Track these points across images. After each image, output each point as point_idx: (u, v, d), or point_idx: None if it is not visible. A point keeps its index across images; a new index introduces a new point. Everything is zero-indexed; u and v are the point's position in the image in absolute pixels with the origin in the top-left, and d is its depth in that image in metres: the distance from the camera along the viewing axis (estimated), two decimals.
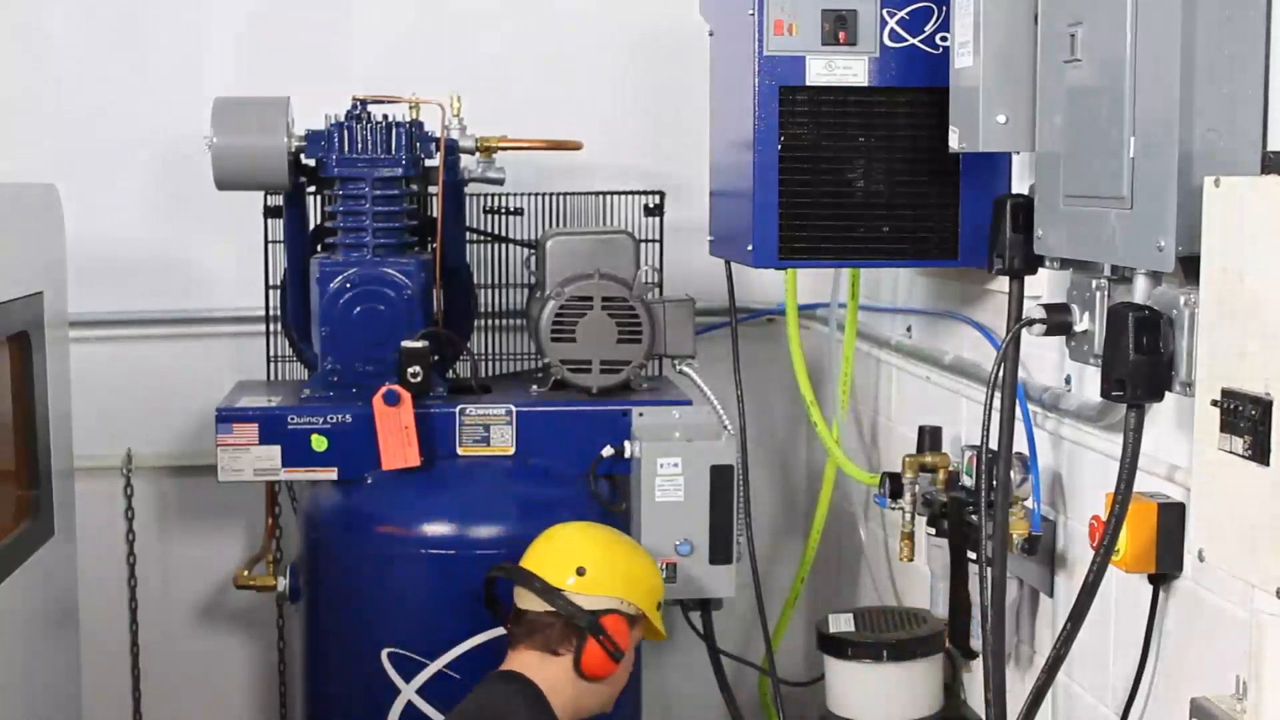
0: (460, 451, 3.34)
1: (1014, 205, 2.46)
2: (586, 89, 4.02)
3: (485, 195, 3.79)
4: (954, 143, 2.52)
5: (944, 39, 2.67)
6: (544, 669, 2.72)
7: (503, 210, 3.82)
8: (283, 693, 4.15)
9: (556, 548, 2.85)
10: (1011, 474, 2.52)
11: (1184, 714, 2.01)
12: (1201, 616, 2.20)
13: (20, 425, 3.01)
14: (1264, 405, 1.74)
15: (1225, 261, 1.84)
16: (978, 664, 2.80)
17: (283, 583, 3.55)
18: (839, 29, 2.69)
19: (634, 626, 2.76)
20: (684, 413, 3.34)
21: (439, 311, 3.50)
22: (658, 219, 3.76)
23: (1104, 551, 2.22)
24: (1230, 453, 1.81)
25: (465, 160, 3.61)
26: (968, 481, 2.79)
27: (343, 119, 3.41)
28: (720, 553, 3.18)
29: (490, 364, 3.88)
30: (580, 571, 2.75)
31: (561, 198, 3.84)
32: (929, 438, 2.99)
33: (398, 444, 3.25)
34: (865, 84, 2.71)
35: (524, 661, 2.75)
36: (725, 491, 3.17)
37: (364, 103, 3.43)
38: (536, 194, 3.81)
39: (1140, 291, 2.13)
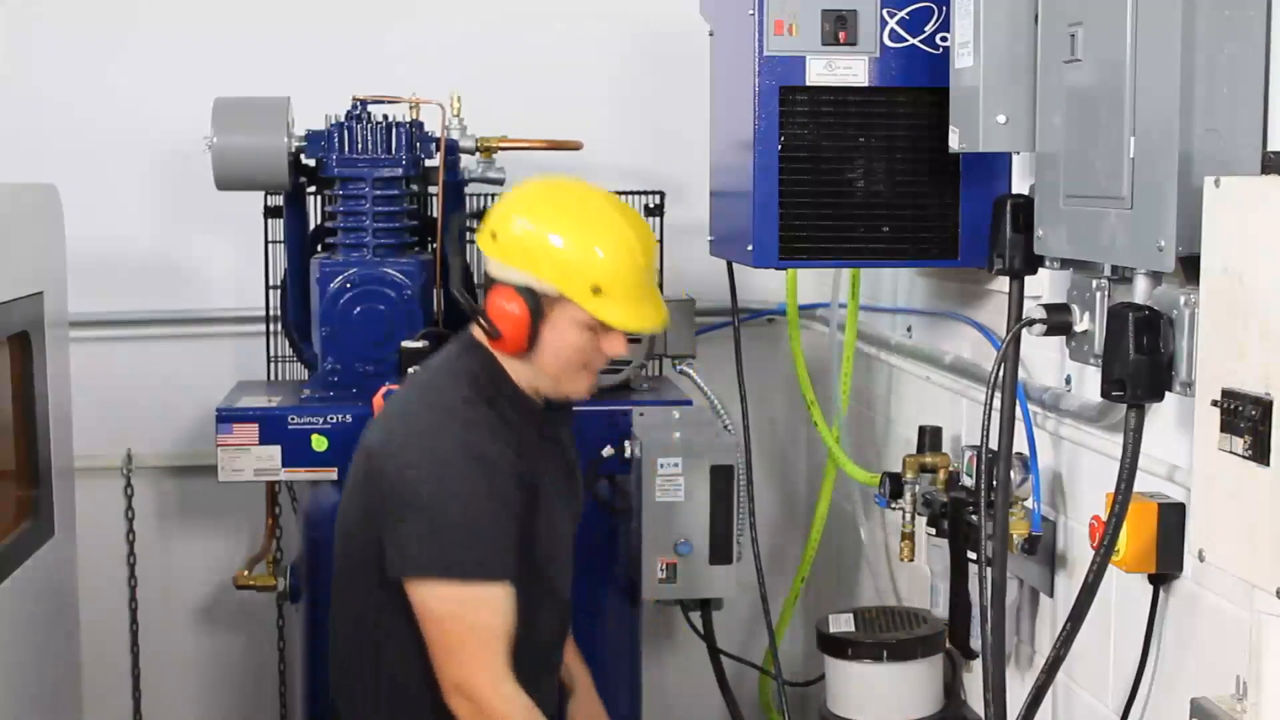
0: None
1: (1014, 205, 2.46)
2: (586, 89, 4.02)
3: (485, 195, 3.79)
4: (954, 143, 2.52)
5: (944, 39, 2.67)
6: (490, 343, 2.46)
7: None
8: (283, 693, 4.15)
9: (501, 202, 2.51)
10: (1011, 474, 2.52)
11: (1184, 714, 2.01)
12: (1201, 616, 2.20)
13: (20, 425, 3.01)
14: (1264, 405, 1.74)
15: (1225, 261, 1.84)
16: (978, 664, 2.80)
17: (283, 583, 3.56)
18: (839, 29, 2.69)
19: (549, 306, 2.37)
20: (684, 413, 3.33)
21: (439, 311, 3.50)
22: (658, 219, 3.76)
23: (1104, 551, 2.22)
24: (1230, 453, 1.81)
25: (465, 160, 3.61)
26: (968, 482, 2.79)
27: (343, 119, 3.41)
28: (720, 553, 3.18)
29: None
30: (493, 236, 2.42)
31: None
32: (929, 438, 2.99)
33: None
34: (865, 84, 2.71)
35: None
36: (725, 491, 3.17)
37: (364, 103, 3.44)
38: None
39: (1140, 291, 2.13)
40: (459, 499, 2.31)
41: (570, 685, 2.78)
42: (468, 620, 2.32)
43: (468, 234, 3.72)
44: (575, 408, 3.00)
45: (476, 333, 2.47)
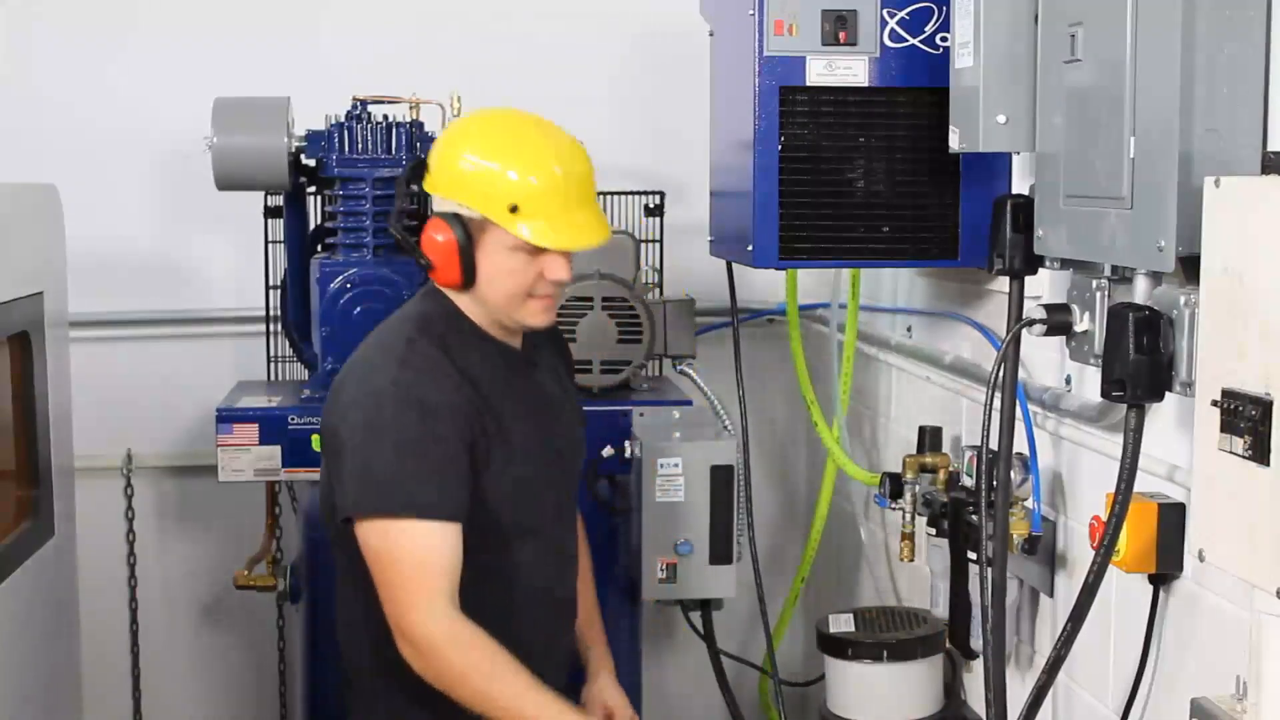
0: None
1: (1014, 205, 2.46)
2: (586, 89, 4.02)
3: None
4: (954, 143, 2.52)
5: (944, 39, 2.67)
6: (431, 277, 2.45)
7: None
8: (283, 693, 4.15)
9: (438, 138, 2.54)
10: (1011, 474, 2.52)
11: (1184, 714, 2.01)
12: (1201, 616, 2.20)
13: (20, 425, 3.01)
14: (1264, 405, 1.74)
15: (1225, 261, 1.84)
16: (978, 664, 2.80)
17: (283, 583, 3.56)
18: (839, 29, 2.69)
19: (478, 232, 2.34)
20: (684, 413, 3.34)
21: None
22: (658, 219, 3.76)
23: (1104, 551, 2.22)
24: (1230, 453, 1.81)
25: None
26: (968, 482, 2.79)
27: (343, 119, 3.41)
28: (720, 553, 3.18)
29: None
30: (428, 169, 2.42)
31: None
32: (929, 438, 2.99)
33: None
34: (865, 84, 2.71)
35: None
36: (725, 491, 3.17)
37: (364, 103, 3.44)
38: None
39: (1140, 291, 2.13)
40: (388, 434, 2.29)
41: (591, 668, 2.68)
42: (398, 557, 2.28)
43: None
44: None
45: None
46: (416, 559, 2.28)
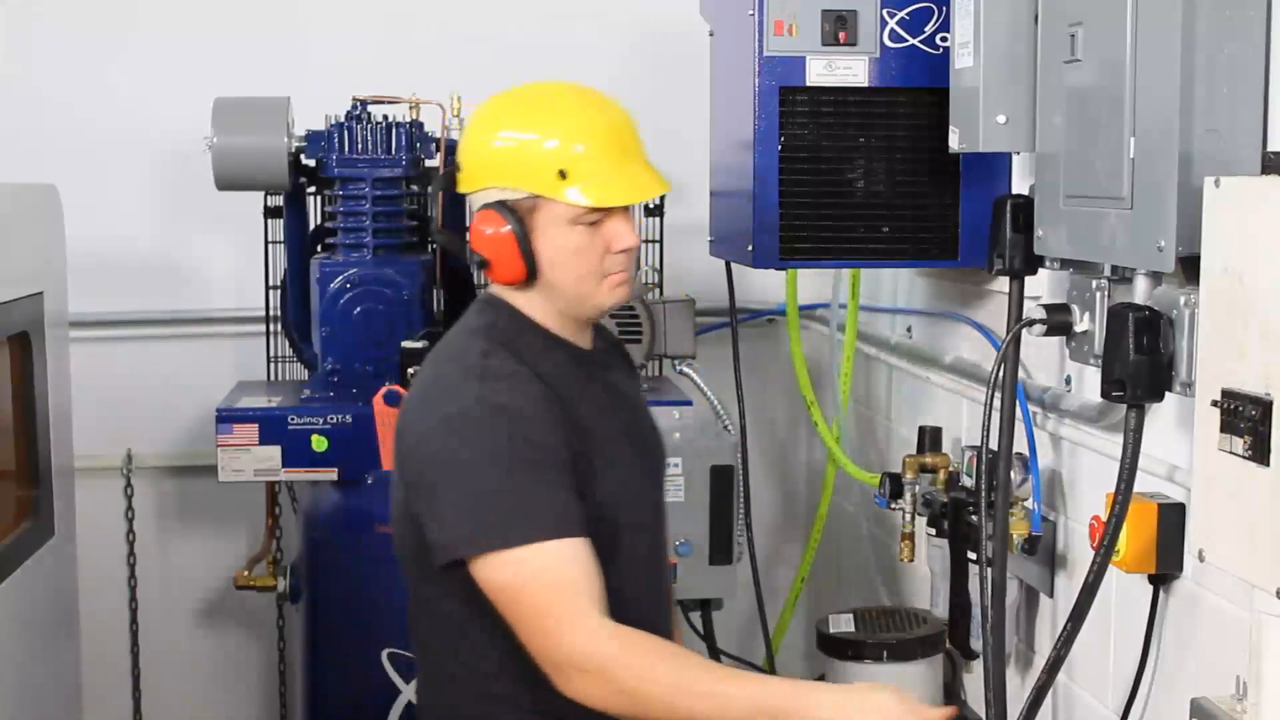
0: None
1: (1014, 205, 2.46)
2: None
3: None
4: (954, 143, 2.52)
5: (944, 39, 2.67)
6: (490, 278, 2.26)
7: None
8: (283, 693, 4.15)
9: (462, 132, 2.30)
10: (1011, 474, 2.52)
11: (1184, 714, 2.01)
12: (1201, 616, 2.20)
13: (20, 425, 3.01)
14: (1264, 405, 1.74)
15: (1225, 261, 1.84)
16: (978, 664, 2.80)
17: (283, 583, 3.56)
18: (839, 29, 2.69)
19: (528, 214, 2.14)
20: (684, 413, 3.33)
21: (439, 311, 3.50)
22: (658, 219, 3.76)
23: (1104, 551, 2.22)
24: (1230, 453, 1.81)
25: None
26: (968, 482, 2.79)
27: (343, 119, 3.41)
28: (720, 553, 3.18)
29: None
30: (459, 168, 2.24)
31: None
32: (929, 438, 2.99)
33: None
34: (865, 84, 2.71)
35: None
36: (725, 491, 3.17)
37: (364, 103, 3.44)
38: None
39: (1140, 291, 2.13)
40: (488, 455, 2.05)
41: None
42: (537, 587, 2.01)
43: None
44: None
45: (491, 287, 2.25)
46: (560, 581, 2.02)
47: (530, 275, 2.16)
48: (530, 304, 2.20)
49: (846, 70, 2.71)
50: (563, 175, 2.12)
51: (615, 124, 2.20)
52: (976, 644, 2.74)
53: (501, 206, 2.15)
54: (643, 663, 1.99)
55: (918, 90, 2.70)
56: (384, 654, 3.21)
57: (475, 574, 2.05)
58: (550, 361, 2.18)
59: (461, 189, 2.23)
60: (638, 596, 2.18)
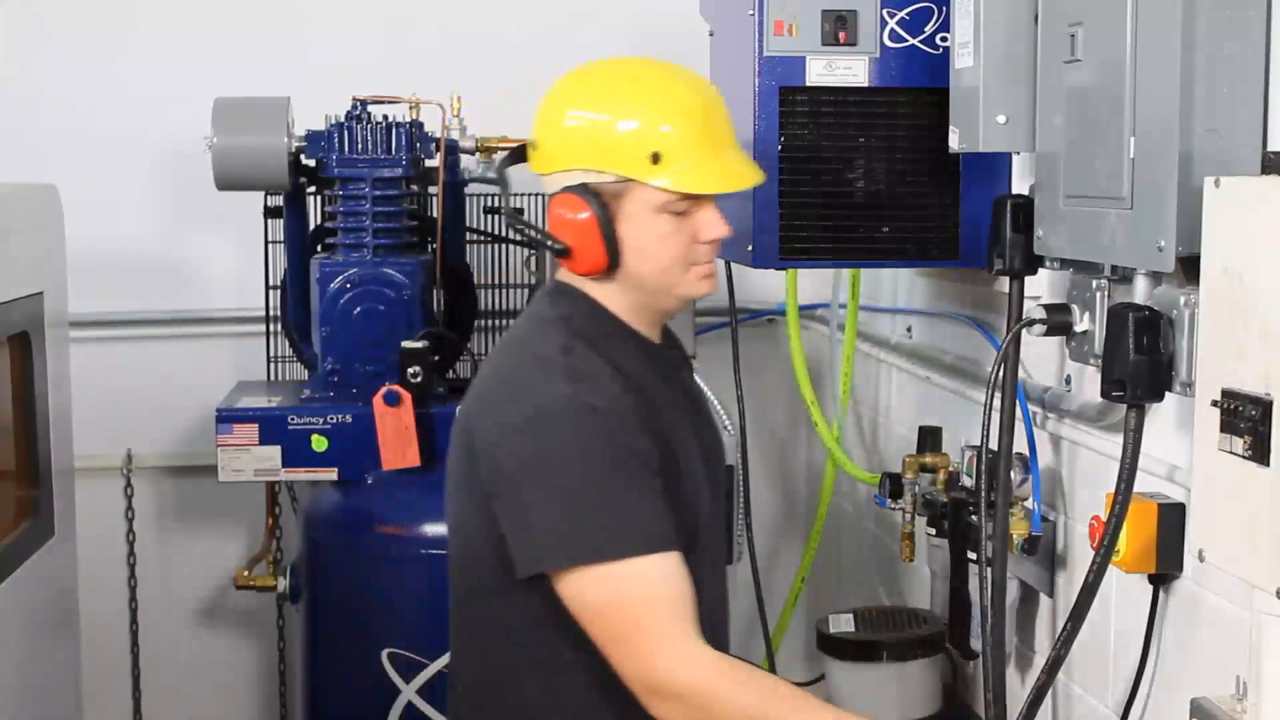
0: None
1: (1014, 205, 2.46)
2: None
3: (485, 195, 3.79)
4: (954, 143, 2.52)
5: (944, 39, 2.67)
6: (567, 266, 2.12)
7: (502, 210, 3.81)
8: (283, 693, 4.15)
9: (537, 109, 2.15)
10: (1011, 474, 2.52)
11: (1184, 714, 2.01)
12: (1201, 616, 2.20)
13: (20, 425, 3.01)
14: (1264, 405, 1.74)
15: (1225, 261, 1.84)
16: (978, 664, 2.80)
17: (283, 583, 3.56)
18: (839, 29, 2.69)
19: (615, 199, 2.03)
20: None
21: (439, 311, 3.50)
22: None
23: (1104, 551, 2.21)
24: (1230, 453, 1.81)
25: (465, 160, 3.61)
26: (968, 482, 2.79)
27: (343, 119, 3.41)
28: None
29: None
30: (534, 147, 2.11)
31: None
32: (929, 438, 2.99)
33: (398, 444, 3.25)
34: (865, 84, 2.70)
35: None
36: (725, 492, 3.16)
37: (364, 103, 3.44)
38: (536, 194, 3.81)
39: (1140, 291, 2.13)
40: (582, 460, 1.93)
41: None
42: (637, 604, 1.90)
43: (468, 235, 3.73)
44: None
45: (562, 276, 2.13)
46: (657, 600, 1.91)
47: (612, 264, 2.04)
48: (607, 295, 2.09)
49: (846, 70, 2.71)
50: (655, 159, 2.01)
51: (710, 106, 2.08)
52: (976, 644, 2.74)
53: (584, 190, 2.02)
54: (742, 698, 1.91)
55: (918, 90, 2.70)
56: (384, 654, 3.21)
57: (562, 588, 1.93)
58: (629, 357, 2.06)
59: (536, 169, 2.10)
60: (707, 603, 2.05)
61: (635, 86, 2.07)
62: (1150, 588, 2.28)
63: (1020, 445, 2.57)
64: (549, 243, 2.06)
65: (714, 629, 2.08)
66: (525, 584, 1.96)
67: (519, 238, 2.08)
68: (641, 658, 1.90)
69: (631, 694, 1.93)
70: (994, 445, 2.48)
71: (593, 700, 2.01)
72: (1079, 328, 2.35)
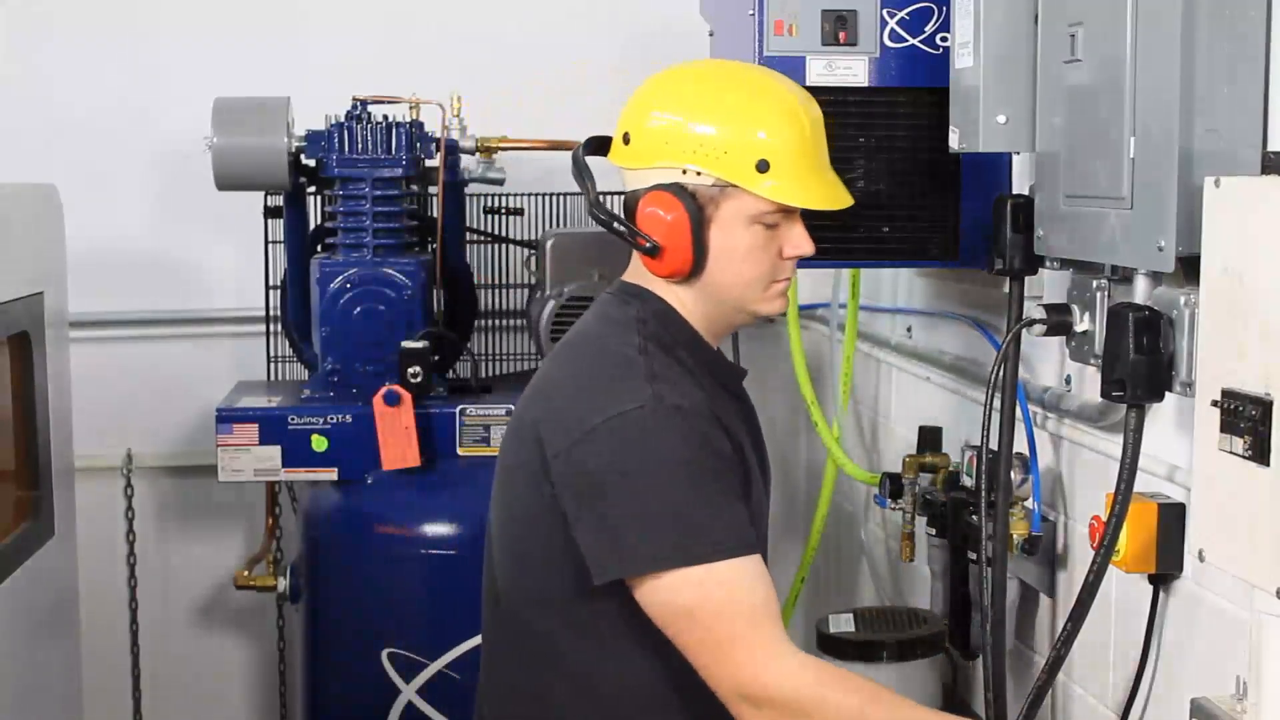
0: (460, 452, 3.34)
1: (1014, 205, 2.46)
2: (586, 89, 4.01)
3: (485, 195, 3.79)
4: (954, 143, 2.52)
5: (944, 39, 2.67)
6: (649, 266, 2.05)
7: (503, 210, 3.82)
8: (283, 693, 4.15)
9: (629, 104, 2.10)
10: (1011, 474, 2.52)
11: (1184, 714, 2.01)
12: (1201, 616, 2.20)
13: (20, 425, 3.01)
14: (1264, 405, 1.74)
15: (1225, 261, 1.84)
16: (978, 664, 2.80)
17: (283, 583, 3.56)
18: (839, 29, 2.69)
19: (712, 203, 1.99)
20: None
21: (439, 311, 3.50)
22: None
23: (1104, 551, 2.21)
24: (1230, 453, 1.81)
25: (465, 160, 3.61)
26: (968, 482, 2.79)
27: (343, 119, 3.41)
28: None
29: (490, 364, 3.88)
30: (625, 139, 2.04)
31: (562, 198, 3.84)
32: (929, 438, 2.99)
33: (398, 444, 3.25)
34: (865, 84, 2.70)
35: (639, 258, 2.08)
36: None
37: (364, 103, 3.44)
38: (536, 194, 3.81)
39: (1140, 291, 2.13)
40: (669, 462, 1.88)
41: None
42: (727, 610, 1.87)
43: (468, 235, 3.73)
44: None
45: (630, 277, 2.09)
46: (747, 605, 1.88)
47: (696, 269, 2.00)
48: (680, 300, 2.05)
49: (846, 70, 2.70)
50: (762, 168, 1.98)
51: (816, 123, 2.06)
52: (976, 644, 2.74)
53: (681, 190, 1.98)
54: (846, 702, 1.87)
55: (918, 90, 2.70)
56: (384, 654, 3.21)
57: (644, 594, 1.89)
58: (697, 364, 2.04)
59: (624, 163, 2.05)
60: None
61: (748, 92, 2.04)
62: (1150, 588, 2.28)
63: (1020, 445, 2.57)
64: (634, 241, 2.02)
65: None
66: (593, 593, 1.92)
67: (615, 230, 2.03)
68: (740, 666, 1.86)
69: (674, 709, 1.93)
70: (994, 445, 2.48)
71: (671, 712, 1.99)
72: (1079, 328, 2.35)
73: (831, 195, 2.07)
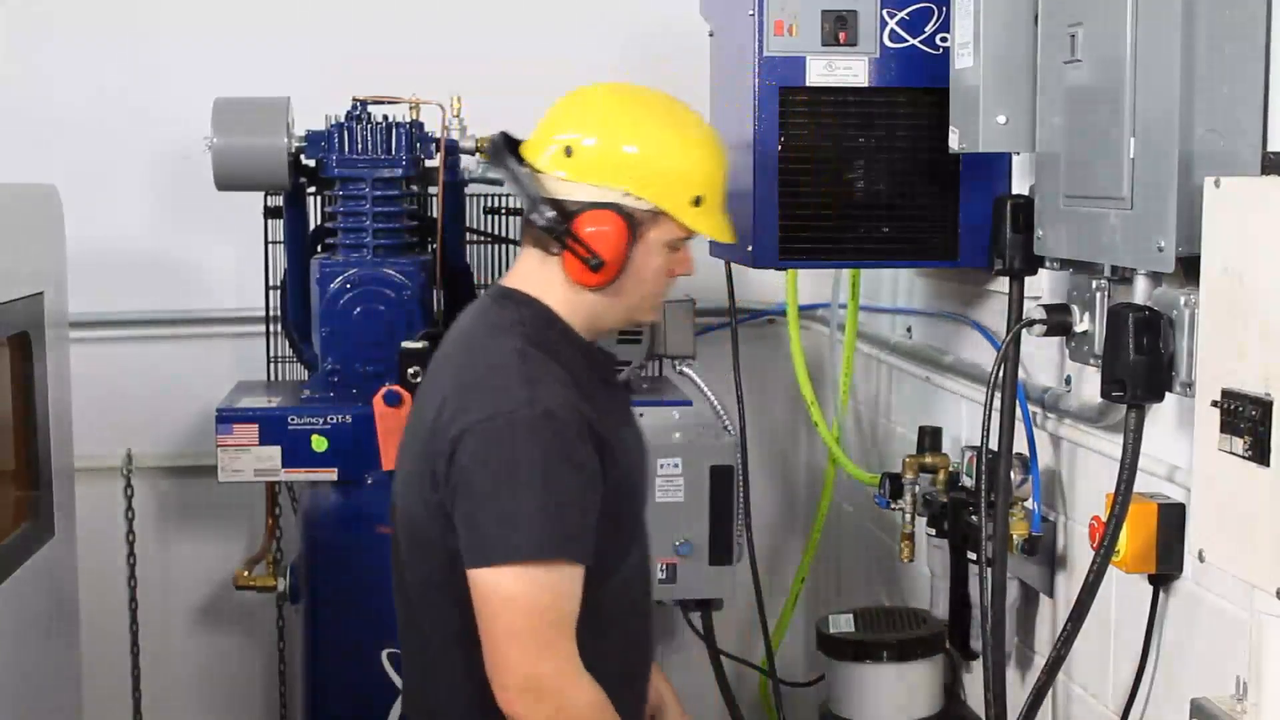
0: None
1: (1014, 205, 2.46)
2: None
3: (485, 195, 3.79)
4: (954, 143, 2.52)
5: (944, 39, 2.68)
6: (543, 271, 2.17)
7: (503, 210, 3.82)
8: (283, 693, 4.15)
9: (559, 114, 2.23)
10: (1011, 474, 2.52)
11: (1184, 714, 2.01)
12: (1201, 616, 2.20)
13: (20, 425, 3.01)
14: (1264, 405, 1.74)
15: (1225, 261, 1.84)
16: (978, 664, 2.80)
17: (283, 583, 3.56)
18: (839, 29, 2.69)
19: (643, 225, 2.14)
20: (684, 413, 3.33)
21: (439, 311, 3.50)
22: None
23: (1104, 552, 2.22)
24: (1230, 453, 1.81)
25: (465, 161, 3.61)
26: (968, 482, 2.79)
27: (343, 119, 3.41)
28: (720, 553, 3.17)
29: None
30: (568, 152, 2.14)
31: None
32: (929, 438, 2.99)
33: (398, 444, 3.24)
34: (865, 84, 2.71)
35: (526, 263, 2.21)
36: (725, 492, 3.17)
37: (364, 103, 3.44)
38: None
39: (1140, 292, 2.13)
40: (532, 468, 2.02)
41: (658, 705, 2.47)
42: (547, 604, 2.01)
43: (468, 235, 3.73)
44: None
45: (509, 281, 2.22)
46: (560, 605, 2.03)
47: (611, 282, 2.15)
48: (567, 303, 2.18)
49: (846, 70, 2.71)
50: (698, 202, 2.16)
51: (726, 163, 2.26)
52: (976, 644, 2.74)
53: (620, 210, 2.13)
54: (589, 707, 2.05)
55: (918, 90, 2.70)
56: (384, 654, 3.21)
57: (480, 579, 2.03)
58: (576, 363, 2.16)
59: (571, 175, 2.14)
60: (641, 600, 2.24)
61: (691, 132, 2.20)
62: (1150, 588, 2.28)
63: (1020, 445, 2.57)
64: (580, 250, 2.13)
65: (648, 628, 2.29)
66: (466, 578, 2.06)
67: (558, 236, 2.14)
68: (540, 657, 2.02)
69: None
70: (994, 445, 2.48)
71: (477, 689, 2.09)
72: (1079, 328, 2.35)
73: (730, 228, 2.27)
